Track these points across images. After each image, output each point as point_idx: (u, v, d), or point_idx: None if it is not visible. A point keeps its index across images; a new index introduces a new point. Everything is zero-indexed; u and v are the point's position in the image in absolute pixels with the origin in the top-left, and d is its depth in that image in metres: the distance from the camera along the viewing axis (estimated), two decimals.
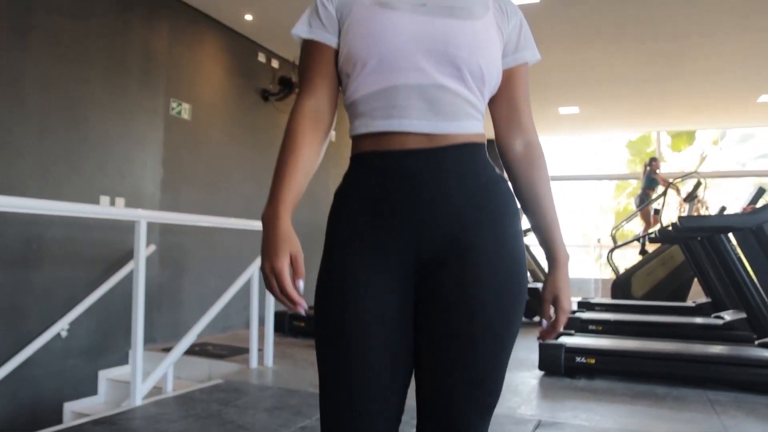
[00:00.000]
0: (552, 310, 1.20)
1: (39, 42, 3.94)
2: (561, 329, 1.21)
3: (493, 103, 1.23)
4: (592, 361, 3.81)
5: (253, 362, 4.11)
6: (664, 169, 11.74)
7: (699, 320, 5.48)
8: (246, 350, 4.41)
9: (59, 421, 4.04)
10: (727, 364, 3.69)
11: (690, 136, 12.96)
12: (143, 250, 3.12)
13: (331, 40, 1.18)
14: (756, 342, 4.11)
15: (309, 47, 1.20)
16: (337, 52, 1.18)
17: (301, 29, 1.21)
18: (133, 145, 4.64)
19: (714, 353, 3.83)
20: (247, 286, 4.14)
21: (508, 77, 1.22)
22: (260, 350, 4.22)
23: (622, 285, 8.32)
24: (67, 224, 4.05)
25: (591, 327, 5.47)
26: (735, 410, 3.19)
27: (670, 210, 10.35)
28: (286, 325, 5.37)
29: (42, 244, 3.91)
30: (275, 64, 6.36)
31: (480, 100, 1.16)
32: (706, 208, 11.11)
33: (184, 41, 5.18)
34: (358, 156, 1.17)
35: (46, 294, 3.94)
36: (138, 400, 3.11)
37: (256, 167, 6.06)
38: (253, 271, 4.10)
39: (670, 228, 4.97)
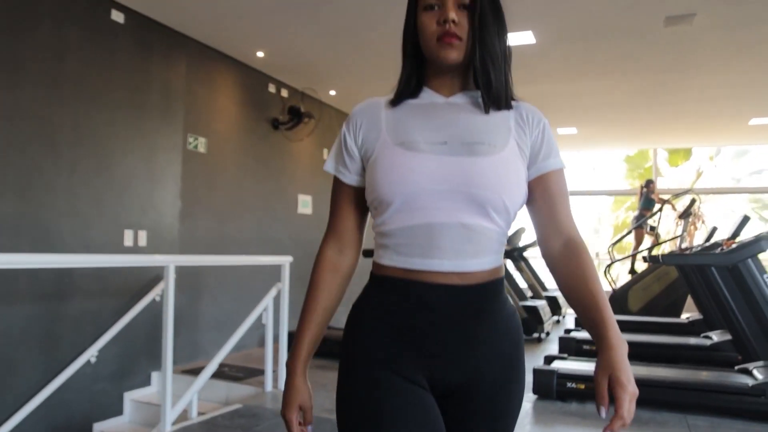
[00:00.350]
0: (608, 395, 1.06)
1: (70, 92, 4.26)
2: (627, 415, 1.03)
3: (530, 206, 1.25)
4: (582, 386, 4.11)
5: (268, 385, 4.42)
6: (661, 183, 12.04)
7: (688, 341, 5.75)
8: (260, 371, 4.75)
9: None
10: (706, 391, 3.98)
11: (687, 152, 13.27)
12: (172, 291, 3.45)
13: (353, 180, 1.26)
14: (735, 368, 4.40)
15: (336, 184, 1.30)
16: (361, 189, 1.26)
17: (329, 164, 1.31)
18: (154, 180, 4.96)
19: (694, 380, 4.12)
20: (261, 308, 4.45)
21: (539, 184, 1.23)
22: (261, 372, 4.55)
23: (619, 299, 8.55)
24: (96, 259, 4.36)
25: (585, 347, 5.76)
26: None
27: (668, 225, 10.66)
28: (289, 343, 5.67)
29: (73, 279, 4.22)
30: (285, 93, 6.69)
31: (503, 230, 1.20)
32: (702, 222, 11.41)
33: (200, 78, 5.50)
34: (381, 278, 1.22)
35: (77, 324, 4.26)
36: (168, 426, 3.42)
37: (266, 194, 6.39)
38: (267, 303, 4.40)
39: (660, 259, 5.25)
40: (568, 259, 1.20)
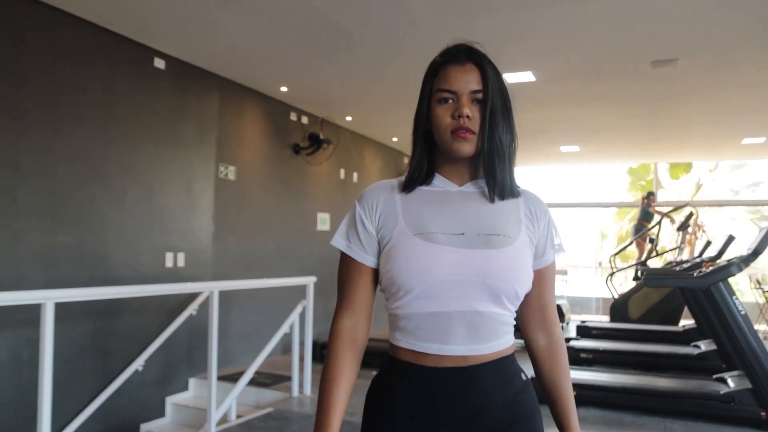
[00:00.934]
0: None
1: (118, 132, 4.83)
2: None
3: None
4: (575, 393, 4.62)
5: (295, 391, 4.98)
6: (662, 196, 12.49)
7: (678, 350, 6.24)
8: (285, 377, 5.32)
9: None
10: (683, 398, 4.50)
11: (687, 165, 13.71)
12: (216, 311, 4.02)
13: (369, 261, 1.29)
14: (714, 377, 4.90)
15: (347, 261, 1.31)
16: (374, 270, 1.30)
17: (340, 242, 1.32)
18: (191, 207, 5.53)
19: (673, 388, 4.63)
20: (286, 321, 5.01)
21: (538, 278, 1.31)
22: (289, 379, 5.12)
23: (619, 307, 8.95)
24: (142, 279, 4.94)
25: (582, 355, 6.27)
26: None
27: (669, 237, 11.10)
28: (318, 353, 6.23)
29: (123, 299, 4.79)
30: (305, 120, 7.25)
31: (513, 313, 1.28)
32: (704, 232, 11.85)
33: (230, 112, 6.07)
34: (396, 361, 1.27)
35: (127, 337, 4.84)
36: (213, 427, 3.98)
37: (288, 214, 6.97)
38: (294, 318, 4.96)
39: (642, 279, 5.73)
40: (551, 360, 1.34)
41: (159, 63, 5.19)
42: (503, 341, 1.24)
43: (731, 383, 4.56)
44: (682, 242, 9.43)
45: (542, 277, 1.32)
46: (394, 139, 9.17)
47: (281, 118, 6.91)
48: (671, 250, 9.96)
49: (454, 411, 1.20)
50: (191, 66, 5.54)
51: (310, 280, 5.06)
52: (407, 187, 1.29)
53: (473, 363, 1.21)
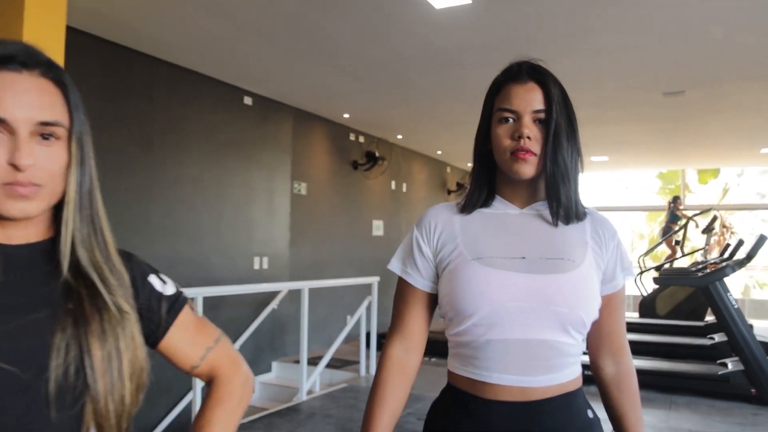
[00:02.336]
0: None
1: (217, 158, 5.95)
2: None
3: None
4: None
5: (362, 371, 6.03)
6: (690, 199, 13.19)
7: (695, 341, 7.06)
8: (352, 362, 6.39)
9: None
10: (688, 378, 5.40)
11: (715, 170, 14.34)
12: (306, 305, 5.09)
13: (425, 285, 1.26)
14: (717, 361, 5.77)
15: (403, 285, 1.29)
16: (430, 296, 1.27)
17: (396, 266, 1.29)
18: (271, 219, 6.63)
19: (680, 370, 5.53)
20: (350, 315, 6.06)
21: (606, 303, 1.23)
22: (357, 362, 6.16)
23: (647, 304, 9.65)
24: (238, 280, 6.05)
25: None
26: (684, 407, 4.92)
27: (697, 239, 11.78)
28: (378, 342, 7.26)
29: (222, 296, 5.90)
30: (362, 140, 8.31)
31: (580, 343, 1.18)
32: (731, 234, 12.49)
33: (301, 136, 7.16)
34: (454, 390, 1.22)
35: (225, 327, 5.92)
36: (304, 395, 5.05)
37: (349, 222, 8.05)
38: (362, 311, 6.01)
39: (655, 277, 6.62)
40: (618, 390, 1.26)
41: (247, 100, 6.29)
42: (568, 372, 1.16)
43: (730, 366, 5.44)
44: (707, 243, 10.15)
45: (610, 303, 1.24)
46: (439, 152, 10.17)
47: (342, 139, 7.99)
48: (697, 250, 10.65)
49: None
50: (271, 100, 6.64)
51: (374, 280, 6.11)
52: (465, 209, 1.25)
53: (535, 398, 1.13)
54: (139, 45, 4.94)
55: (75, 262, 0.85)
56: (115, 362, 0.83)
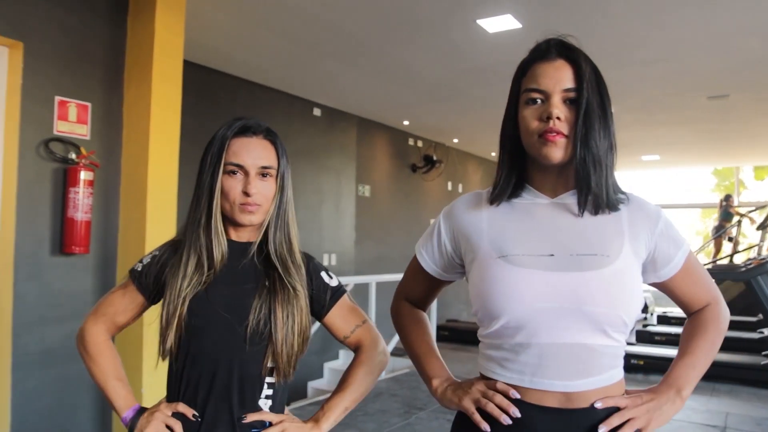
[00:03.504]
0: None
1: (292, 167, 6.57)
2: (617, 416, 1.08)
3: (665, 292, 1.21)
4: (641, 362, 5.94)
5: None
6: (745, 196, 13.18)
7: (743, 335, 7.28)
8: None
9: (305, 394, 6.68)
10: (731, 367, 5.72)
11: None
12: (374, 296, 5.65)
13: (431, 269, 1.30)
14: (763, 353, 6.05)
15: (415, 261, 1.34)
16: (435, 279, 1.32)
17: (418, 245, 1.34)
18: (339, 219, 7.24)
19: (724, 360, 5.84)
20: None
21: (672, 285, 1.19)
22: None
23: None
24: None
25: (657, 338, 7.50)
26: (725, 394, 5.27)
27: (750, 237, 11.81)
28: (437, 332, 7.79)
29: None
30: (420, 144, 8.85)
31: (621, 342, 1.11)
32: None
33: (365, 142, 7.74)
34: None
35: None
36: None
37: (407, 221, 8.60)
38: None
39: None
40: (696, 320, 1.21)
41: (316, 111, 6.91)
42: (609, 376, 1.09)
43: None
44: (762, 240, 10.25)
45: (681, 281, 1.18)
46: (493, 154, 10.61)
47: (402, 144, 8.54)
48: (753, 247, 10.73)
49: None
50: (337, 111, 7.24)
51: None
52: (493, 201, 1.19)
53: (574, 405, 1.07)
54: (224, 67, 5.61)
55: (271, 255, 1.33)
56: (289, 321, 1.28)
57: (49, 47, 3.20)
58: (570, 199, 1.15)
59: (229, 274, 1.30)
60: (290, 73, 5.83)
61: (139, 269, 1.37)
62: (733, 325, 8.19)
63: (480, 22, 4.36)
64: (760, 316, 8.88)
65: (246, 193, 1.27)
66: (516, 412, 1.09)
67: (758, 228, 10.30)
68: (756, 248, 10.26)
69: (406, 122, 7.98)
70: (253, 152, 1.29)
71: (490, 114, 7.35)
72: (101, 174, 3.39)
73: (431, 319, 6.63)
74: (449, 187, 9.69)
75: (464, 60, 5.30)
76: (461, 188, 10.06)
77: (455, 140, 9.17)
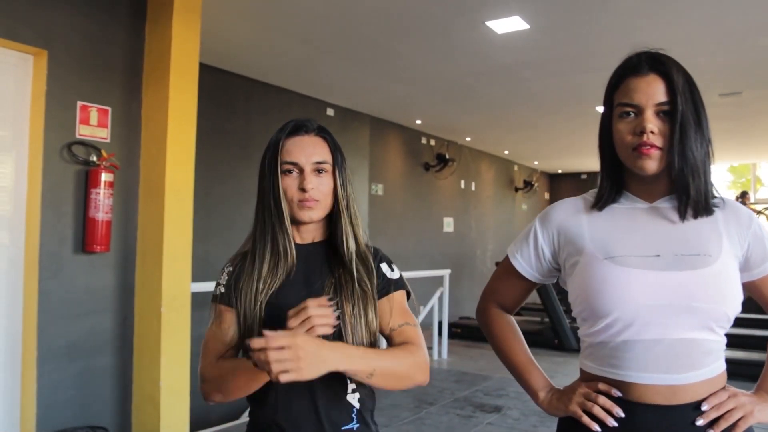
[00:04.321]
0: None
1: None
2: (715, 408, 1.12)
3: (754, 295, 1.24)
4: None
5: (435, 355, 6.66)
6: (763, 193, 13.11)
7: (759, 332, 7.18)
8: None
9: None
10: (745, 365, 5.70)
11: None
12: None
13: (527, 273, 1.32)
14: None
15: (508, 264, 1.35)
16: (529, 283, 1.34)
17: (512, 250, 1.35)
18: None
19: (746, 358, 5.82)
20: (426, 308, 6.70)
21: (762, 285, 1.22)
22: (430, 348, 6.78)
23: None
24: None
25: None
26: None
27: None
28: (449, 330, 7.87)
29: None
30: (433, 143, 8.93)
31: (722, 338, 1.15)
32: None
33: (377, 141, 7.84)
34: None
35: None
36: None
37: (421, 219, 8.69)
38: (434, 301, 6.63)
39: None
40: None
41: (330, 111, 7.02)
42: (713, 369, 1.13)
43: None
44: None
45: (766, 286, 1.22)
46: (506, 152, 10.66)
47: (415, 143, 8.63)
48: None
49: None
50: (350, 110, 7.35)
51: (445, 272, 6.72)
52: (596, 205, 1.24)
53: (680, 401, 1.11)
54: (239, 69, 5.74)
55: (338, 252, 1.31)
56: (357, 315, 1.26)
57: (71, 54, 3.34)
58: (667, 203, 1.20)
59: (297, 276, 1.30)
60: (304, 75, 5.95)
61: (223, 291, 1.33)
62: (749, 323, 8.20)
63: (489, 23, 4.44)
64: None
65: (303, 189, 1.27)
66: (620, 412, 1.13)
67: None
68: None
69: (418, 121, 8.07)
70: (306, 149, 1.31)
71: (501, 113, 7.43)
72: (121, 175, 3.52)
73: (443, 316, 6.72)
74: (462, 185, 9.77)
75: (474, 61, 5.38)
76: (474, 186, 10.12)
77: (468, 139, 9.25)
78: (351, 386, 1.28)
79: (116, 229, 3.51)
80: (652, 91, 1.14)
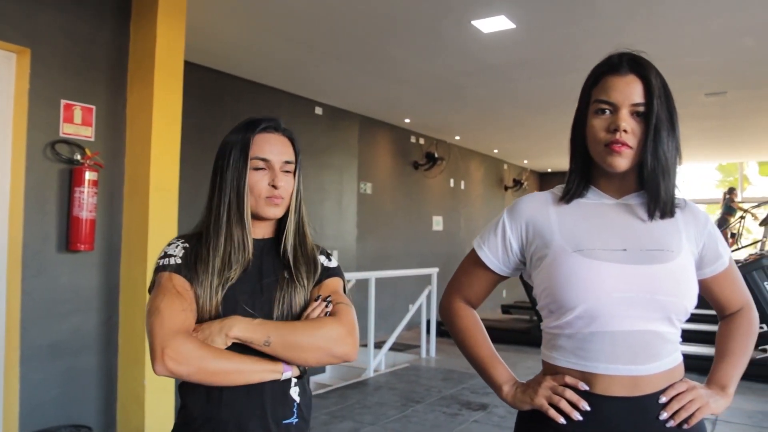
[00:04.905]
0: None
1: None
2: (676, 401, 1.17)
3: (704, 292, 1.29)
4: None
5: (423, 353, 6.68)
6: (750, 192, 13.19)
7: None
8: (412, 346, 7.03)
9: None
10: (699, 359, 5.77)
11: None
12: (373, 293, 5.76)
13: (493, 265, 1.32)
14: (758, 347, 6.11)
15: (474, 256, 1.35)
16: (495, 276, 1.34)
17: (478, 242, 1.35)
18: (341, 216, 7.35)
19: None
20: (411, 303, 6.72)
21: (721, 279, 1.29)
22: (418, 346, 6.79)
23: None
24: None
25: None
26: None
27: (754, 232, 11.84)
28: (437, 328, 7.90)
29: None
30: (422, 141, 8.94)
31: (680, 330, 1.21)
32: None
33: (366, 140, 7.85)
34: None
35: None
36: (371, 372, 5.74)
37: (411, 218, 8.71)
38: (422, 300, 6.65)
39: None
40: (730, 322, 1.33)
41: (318, 110, 7.02)
42: (671, 359, 1.19)
43: None
44: (765, 236, 10.27)
45: (725, 278, 1.29)
46: (495, 151, 10.69)
47: (404, 141, 8.64)
48: (755, 242, 10.77)
49: None
50: (339, 109, 7.35)
51: (434, 271, 6.74)
52: (563, 199, 1.27)
53: (642, 391, 1.15)
54: (227, 68, 5.73)
55: (288, 249, 1.35)
56: (288, 303, 1.29)
57: (55, 52, 3.33)
58: (634, 200, 1.25)
59: (252, 269, 1.32)
60: (292, 74, 5.95)
61: (179, 263, 1.28)
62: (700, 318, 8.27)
63: (475, 23, 4.46)
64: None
65: (274, 186, 1.31)
66: (585, 406, 1.16)
67: (761, 224, 10.35)
68: (760, 243, 10.34)
69: (407, 120, 8.08)
70: (276, 147, 1.34)
71: (490, 112, 7.45)
72: (105, 174, 3.52)
73: (432, 315, 6.74)
74: (451, 184, 9.79)
75: (461, 60, 5.40)
76: (463, 185, 10.15)
77: (457, 137, 9.27)
78: (293, 380, 1.29)
79: (100, 228, 3.51)
80: (630, 92, 1.17)
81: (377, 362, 5.96)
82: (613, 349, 1.15)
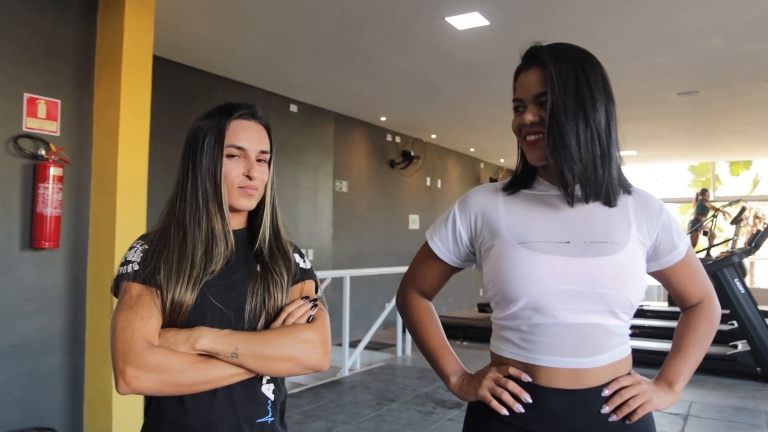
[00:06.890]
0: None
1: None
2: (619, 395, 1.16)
3: (661, 282, 1.29)
4: None
5: (399, 352, 6.65)
6: (721, 191, 13.42)
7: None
8: (388, 345, 6.99)
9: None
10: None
11: (747, 162, 14.46)
12: (348, 292, 5.73)
13: (445, 256, 1.33)
14: (729, 344, 6.20)
15: (427, 249, 1.36)
16: (448, 267, 1.35)
17: (430, 233, 1.35)
18: (316, 215, 7.30)
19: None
20: (387, 303, 6.69)
21: (677, 271, 1.26)
22: (394, 345, 6.76)
23: None
24: None
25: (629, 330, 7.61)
26: (691, 384, 5.38)
27: (729, 230, 12.03)
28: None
29: None
30: (398, 140, 8.92)
31: (628, 322, 1.19)
32: (764, 224, 12.69)
33: (342, 138, 7.80)
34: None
35: None
36: (346, 371, 5.70)
37: (387, 217, 8.68)
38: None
39: None
40: (688, 317, 1.31)
41: (293, 108, 6.96)
42: (618, 352, 1.17)
43: (739, 347, 5.88)
44: (736, 234, 10.45)
45: (681, 269, 1.27)
46: (472, 150, 10.71)
47: (380, 140, 8.61)
48: (728, 240, 10.94)
49: None
50: (315, 107, 7.30)
51: None
52: (508, 188, 1.27)
53: (588, 383, 1.15)
54: (199, 64, 5.65)
55: (264, 242, 1.30)
56: (264, 300, 1.23)
57: (17, 46, 3.24)
58: (579, 191, 1.20)
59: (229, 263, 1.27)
60: (266, 70, 5.89)
61: (137, 269, 1.22)
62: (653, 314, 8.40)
63: (448, 19, 4.44)
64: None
65: (249, 176, 1.25)
66: (527, 398, 1.16)
67: (732, 222, 10.52)
68: (731, 242, 10.51)
69: (383, 118, 8.05)
70: (253, 135, 1.27)
71: (465, 110, 7.46)
72: (72, 170, 3.44)
73: None
74: (428, 183, 9.78)
75: (435, 57, 5.38)
76: (440, 184, 10.15)
77: (433, 136, 9.26)
78: (265, 377, 1.23)
79: (66, 225, 3.43)
80: (529, 84, 1.18)
81: (352, 361, 5.92)
82: (556, 341, 1.15)
